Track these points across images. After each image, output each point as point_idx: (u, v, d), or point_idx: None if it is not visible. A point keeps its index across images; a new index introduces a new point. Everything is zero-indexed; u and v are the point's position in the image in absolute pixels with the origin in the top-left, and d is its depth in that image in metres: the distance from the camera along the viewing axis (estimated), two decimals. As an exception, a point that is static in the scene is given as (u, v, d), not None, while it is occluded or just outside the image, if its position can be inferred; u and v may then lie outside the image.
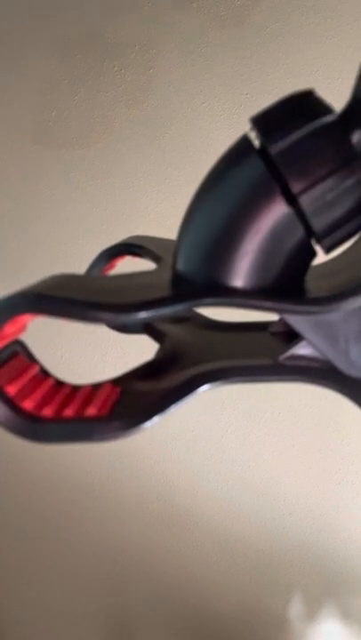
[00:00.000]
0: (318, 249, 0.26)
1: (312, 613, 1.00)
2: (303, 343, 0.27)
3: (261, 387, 0.97)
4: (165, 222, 0.88)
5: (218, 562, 1.03)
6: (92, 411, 0.25)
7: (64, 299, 0.24)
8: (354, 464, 0.98)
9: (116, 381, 0.27)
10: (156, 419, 0.25)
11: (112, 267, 0.36)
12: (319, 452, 0.98)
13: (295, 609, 1.01)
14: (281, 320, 0.30)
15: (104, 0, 0.91)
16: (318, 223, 0.24)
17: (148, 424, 0.25)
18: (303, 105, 0.24)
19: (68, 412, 0.25)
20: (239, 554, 1.02)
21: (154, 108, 0.93)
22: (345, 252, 0.29)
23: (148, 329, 0.33)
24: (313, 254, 0.26)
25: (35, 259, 0.98)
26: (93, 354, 0.98)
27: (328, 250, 0.25)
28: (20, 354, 0.27)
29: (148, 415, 0.25)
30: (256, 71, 0.88)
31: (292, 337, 0.27)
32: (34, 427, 0.24)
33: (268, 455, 1.00)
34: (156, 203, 0.94)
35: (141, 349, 0.32)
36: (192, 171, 0.94)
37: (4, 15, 0.93)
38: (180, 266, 0.26)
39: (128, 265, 0.32)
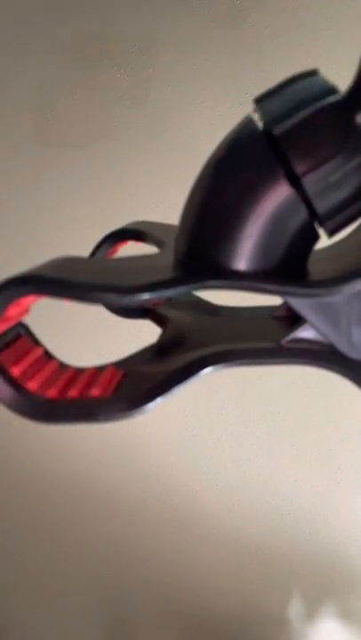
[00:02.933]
0: (322, 232, 0.26)
1: (312, 613, 1.00)
2: (306, 326, 0.27)
3: (261, 386, 0.97)
4: (165, 222, 0.89)
5: (217, 561, 1.03)
6: (95, 392, 0.25)
7: (67, 280, 0.24)
8: (354, 464, 0.98)
9: (120, 364, 0.27)
10: (159, 400, 0.25)
11: (114, 252, 0.36)
12: (319, 451, 0.98)
13: (294, 609, 1.01)
14: (283, 304, 0.31)
15: (104, 0, 0.91)
16: (322, 205, 0.24)
17: (151, 405, 0.25)
18: (307, 85, 0.24)
19: (73, 392, 0.25)
20: (238, 553, 1.02)
21: (153, 108, 0.93)
22: (348, 236, 0.30)
23: (150, 314, 0.34)
24: (316, 237, 0.26)
25: (33, 258, 0.98)
26: (93, 359, 0.98)
27: (331, 233, 0.25)
28: (23, 336, 0.27)
29: (151, 396, 0.25)
30: (256, 71, 0.89)
31: (294, 321, 0.28)
32: (38, 407, 0.25)
33: (267, 455, 1.00)
34: (156, 203, 0.94)
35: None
36: (191, 170, 0.93)
37: (2, 14, 0.94)
38: (183, 249, 0.26)
39: (130, 250, 0.32)
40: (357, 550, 1.00)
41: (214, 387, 0.97)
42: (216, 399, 0.98)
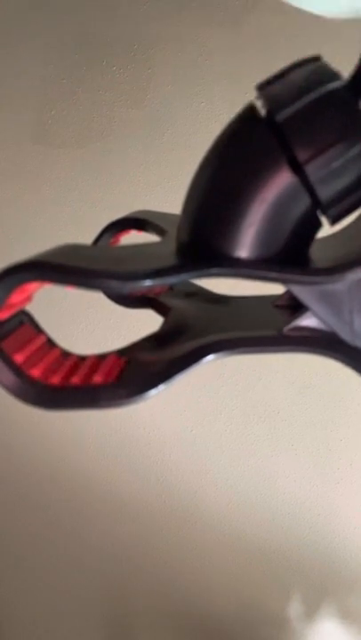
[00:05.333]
0: (324, 220, 0.26)
1: (311, 613, 1.00)
2: (308, 314, 0.27)
3: (261, 386, 0.97)
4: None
5: (216, 561, 1.03)
6: (98, 378, 0.25)
7: (71, 266, 0.24)
8: (353, 463, 0.98)
9: (122, 352, 0.27)
10: (161, 387, 0.25)
11: (116, 241, 0.36)
12: (318, 451, 0.98)
13: (294, 608, 1.01)
14: (285, 293, 0.31)
15: (104, 0, 0.91)
16: (324, 192, 0.24)
17: (153, 392, 0.25)
18: (310, 71, 0.24)
19: (75, 379, 0.25)
20: (238, 553, 1.02)
21: (153, 108, 0.93)
22: (349, 225, 0.30)
23: (152, 303, 0.34)
24: (318, 225, 0.26)
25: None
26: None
27: (334, 221, 0.25)
28: (26, 324, 0.27)
29: (154, 383, 0.25)
30: (255, 71, 0.88)
31: (296, 310, 0.27)
32: (42, 394, 0.25)
33: (266, 454, 1.00)
34: (156, 202, 0.94)
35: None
36: (191, 170, 0.93)
37: (2, 14, 0.94)
38: (185, 237, 0.26)
39: (132, 240, 0.32)
40: (357, 550, 1.00)
41: (214, 387, 0.97)
42: (216, 399, 0.98)
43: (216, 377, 0.97)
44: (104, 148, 0.95)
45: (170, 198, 0.93)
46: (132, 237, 0.34)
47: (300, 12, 0.87)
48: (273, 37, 0.88)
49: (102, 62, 0.93)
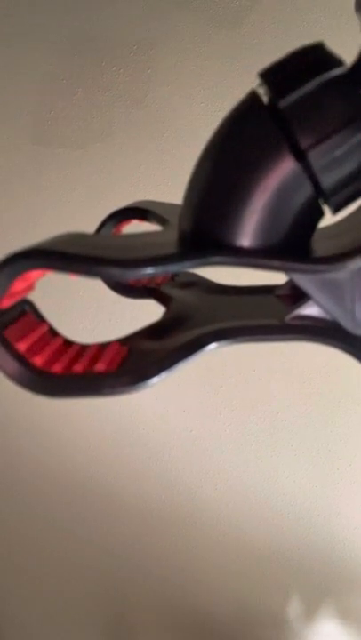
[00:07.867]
0: (326, 209, 0.26)
1: (310, 613, 1.00)
2: (309, 303, 0.27)
3: (260, 386, 0.97)
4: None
5: (216, 561, 1.03)
6: (100, 367, 0.25)
7: (72, 254, 0.24)
8: (352, 464, 0.98)
9: (124, 340, 0.27)
10: (163, 375, 0.24)
11: (118, 231, 0.36)
12: (317, 451, 0.98)
13: (293, 609, 1.00)
14: (287, 283, 0.31)
15: (103, 0, 0.91)
16: (327, 180, 0.24)
17: (155, 380, 0.24)
18: (313, 57, 0.24)
19: (78, 367, 0.25)
20: (237, 553, 1.02)
21: (152, 108, 0.93)
22: (351, 215, 0.29)
23: (153, 293, 0.34)
24: (321, 213, 0.26)
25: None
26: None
27: (336, 209, 0.25)
28: (28, 313, 0.27)
29: (156, 371, 0.25)
30: (255, 71, 0.89)
31: (297, 299, 0.27)
32: (44, 381, 0.24)
33: (266, 455, 1.00)
34: (155, 202, 0.95)
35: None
36: (190, 171, 0.93)
37: (2, 14, 0.94)
38: (187, 226, 0.26)
39: (134, 229, 0.32)
40: (357, 550, 1.00)
41: (214, 387, 0.97)
42: (216, 399, 0.98)
43: (216, 377, 0.97)
44: (104, 148, 0.95)
45: (170, 198, 0.92)
46: (134, 227, 0.34)
47: (299, 12, 0.88)
48: (273, 37, 0.88)
49: (102, 62, 0.93)
